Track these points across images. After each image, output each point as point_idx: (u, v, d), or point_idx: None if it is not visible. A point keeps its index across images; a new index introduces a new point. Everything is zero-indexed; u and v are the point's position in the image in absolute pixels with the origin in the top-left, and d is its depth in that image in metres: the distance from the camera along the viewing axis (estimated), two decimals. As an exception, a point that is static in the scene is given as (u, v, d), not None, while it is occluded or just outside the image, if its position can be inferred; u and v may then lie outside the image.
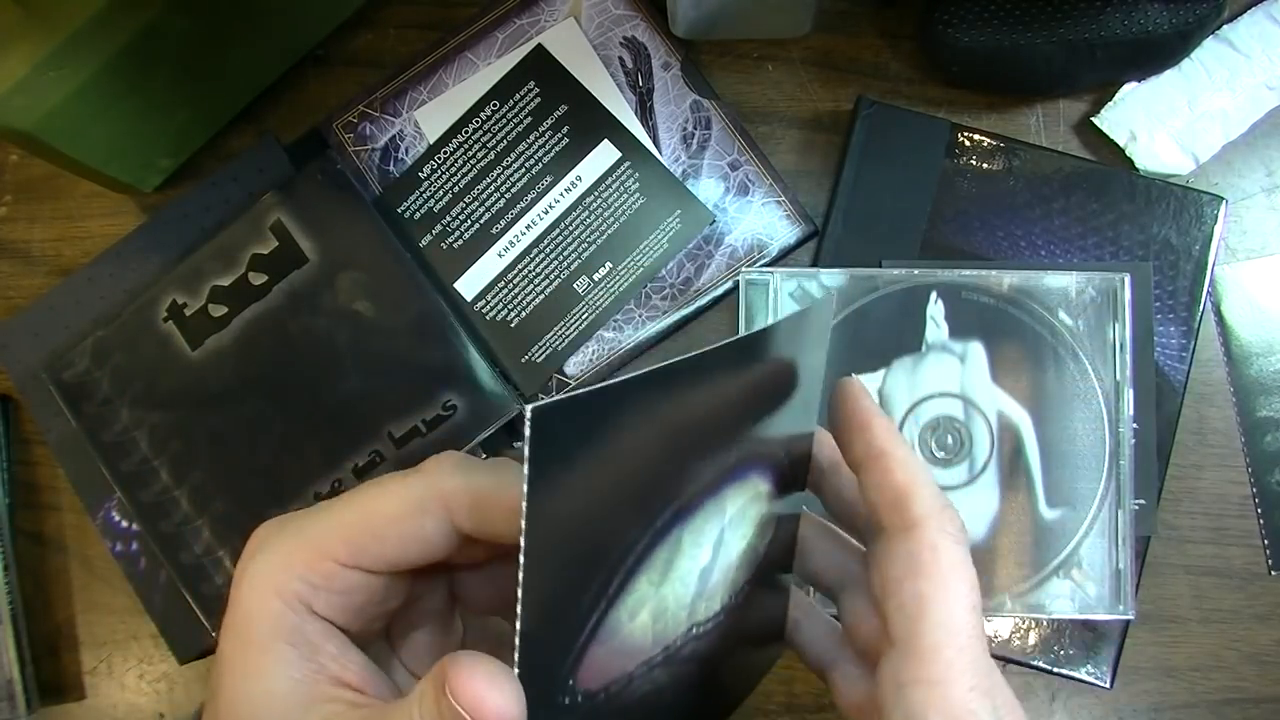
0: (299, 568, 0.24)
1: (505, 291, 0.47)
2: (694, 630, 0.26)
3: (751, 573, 0.27)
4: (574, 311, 0.47)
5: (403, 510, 0.24)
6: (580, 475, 0.22)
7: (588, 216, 0.47)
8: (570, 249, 0.47)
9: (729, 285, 0.47)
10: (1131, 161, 0.47)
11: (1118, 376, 0.43)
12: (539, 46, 0.48)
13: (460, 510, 0.24)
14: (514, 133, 0.48)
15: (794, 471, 0.28)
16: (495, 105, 0.48)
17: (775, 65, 0.49)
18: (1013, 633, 0.44)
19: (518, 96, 0.48)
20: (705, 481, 0.25)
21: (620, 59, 0.48)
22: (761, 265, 0.47)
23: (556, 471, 0.21)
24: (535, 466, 0.20)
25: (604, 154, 0.48)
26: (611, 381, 0.21)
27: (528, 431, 0.19)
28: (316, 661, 0.24)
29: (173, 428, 0.45)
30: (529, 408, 0.19)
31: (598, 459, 0.22)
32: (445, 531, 0.25)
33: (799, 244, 0.47)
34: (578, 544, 0.22)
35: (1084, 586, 0.43)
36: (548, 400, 0.19)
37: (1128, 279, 0.43)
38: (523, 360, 0.47)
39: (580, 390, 0.20)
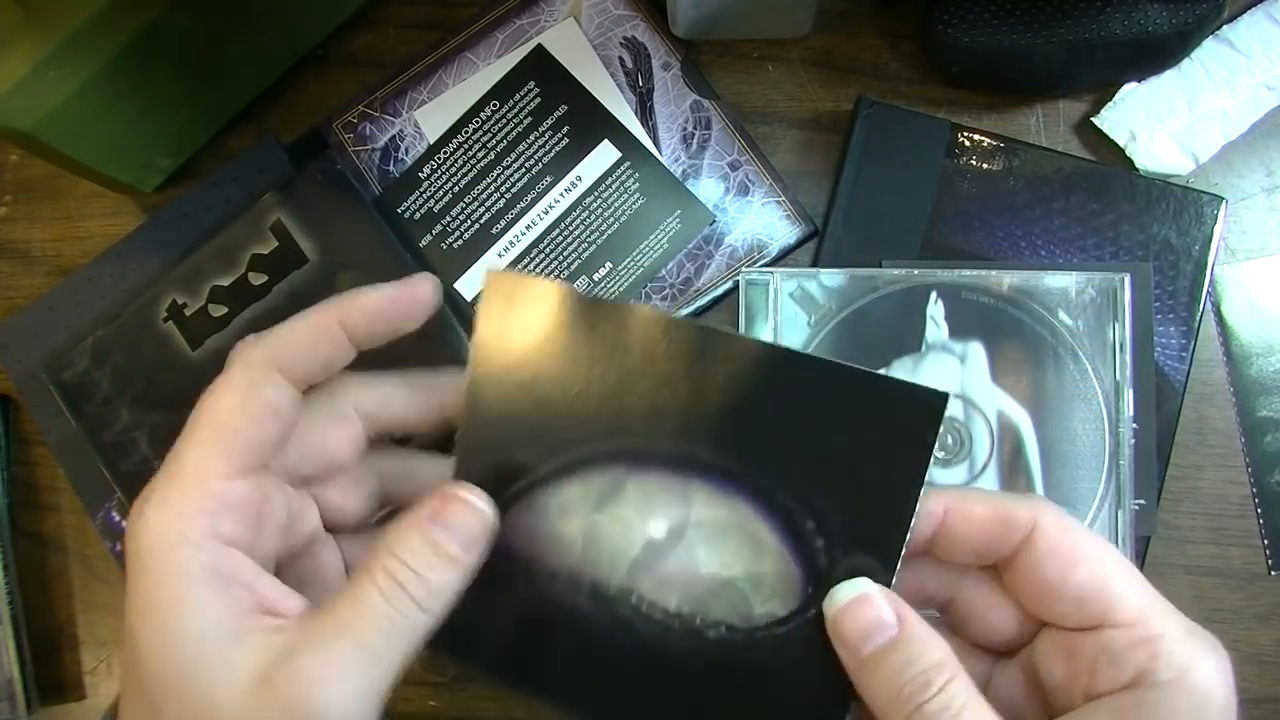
0: (190, 503, 0.25)
1: (505, 291, 0.47)
2: (634, 598, 0.27)
3: (734, 625, 0.27)
4: (574, 311, 0.47)
5: (237, 400, 0.26)
6: (520, 347, 0.27)
7: (588, 216, 0.47)
8: (570, 249, 0.47)
9: (729, 285, 0.47)
10: (1131, 161, 0.47)
11: (1118, 376, 0.43)
12: (539, 46, 0.48)
13: (290, 360, 0.27)
14: (514, 133, 0.48)
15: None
16: (495, 105, 0.48)
17: (775, 65, 0.49)
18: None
19: (518, 96, 0.48)
20: (662, 449, 0.27)
21: (620, 59, 0.48)
22: (761, 265, 0.47)
23: (498, 336, 0.28)
24: (485, 323, 0.28)
25: (604, 154, 0.48)
26: (576, 290, 0.27)
27: (483, 288, 0.28)
28: (233, 593, 0.24)
29: (173, 428, 0.45)
30: (488, 271, 0.28)
31: (540, 343, 0.28)
32: (285, 393, 0.27)
33: (799, 244, 0.47)
34: (511, 403, 0.28)
35: (1084, 586, 0.43)
36: (510, 271, 0.24)
37: (1128, 279, 0.43)
38: (523, 360, 0.47)
39: (545, 280, 0.27)
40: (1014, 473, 0.43)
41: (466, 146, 0.48)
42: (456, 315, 0.46)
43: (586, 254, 0.47)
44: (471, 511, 0.26)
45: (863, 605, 0.25)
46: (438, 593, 0.25)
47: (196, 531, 0.24)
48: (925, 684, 0.23)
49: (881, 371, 0.44)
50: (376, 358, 0.45)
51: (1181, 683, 0.23)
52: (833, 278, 0.45)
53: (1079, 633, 0.25)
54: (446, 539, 0.25)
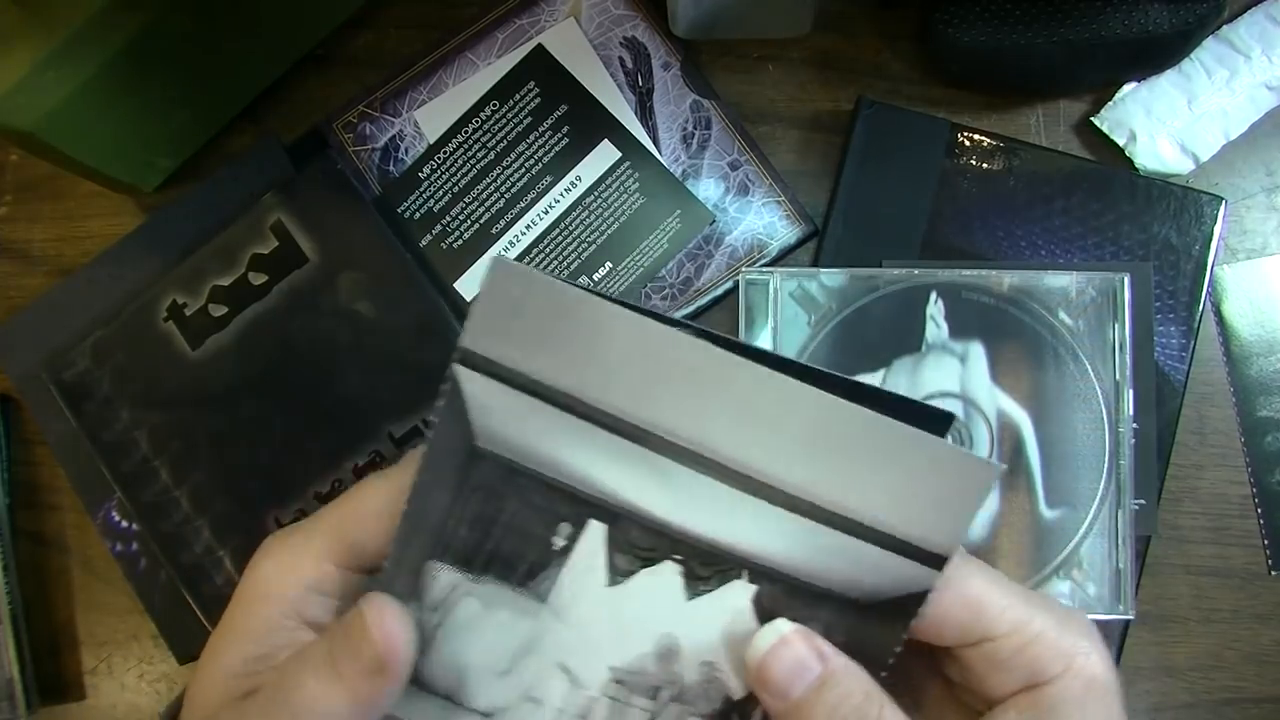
0: (301, 571, 0.25)
1: (505, 291, 0.47)
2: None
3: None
4: (574, 311, 0.47)
5: (386, 505, 0.26)
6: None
7: (588, 216, 0.47)
8: (570, 249, 0.47)
9: (729, 285, 0.47)
10: (1131, 161, 0.47)
11: (1118, 376, 0.43)
12: (539, 46, 0.48)
13: None
14: (514, 133, 0.48)
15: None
16: (495, 105, 0.48)
17: (775, 65, 0.49)
18: (1013, 633, 0.44)
19: (518, 96, 0.48)
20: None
21: (620, 59, 0.48)
22: (761, 265, 0.47)
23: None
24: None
25: (604, 154, 0.48)
26: None
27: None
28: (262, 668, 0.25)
29: (173, 428, 0.45)
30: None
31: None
32: None
33: (799, 244, 0.47)
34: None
35: (1084, 586, 0.43)
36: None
37: (1128, 279, 0.43)
38: (523, 360, 0.47)
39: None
40: (1014, 472, 0.43)
41: (466, 146, 0.48)
42: (457, 315, 0.46)
43: (586, 254, 0.47)
44: (369, 636, 0.24)
45: (785, 648, 0.24)
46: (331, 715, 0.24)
47: (288, 603, 0.25)
48: (862, 718, 0.24)
49: (879, 370, 0.44)
50: (377, 355, 0.46)
51: (1070, 671, 0.24)
52: (833, 278, 0.45)
53: (964, 648, 0.25)
54: (345, 663, 0.24)
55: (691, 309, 0.47)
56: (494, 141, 0.48)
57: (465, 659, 0.24)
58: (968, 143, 0.47)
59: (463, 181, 0.48)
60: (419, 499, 0.24)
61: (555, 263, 0.47)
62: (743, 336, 0.45)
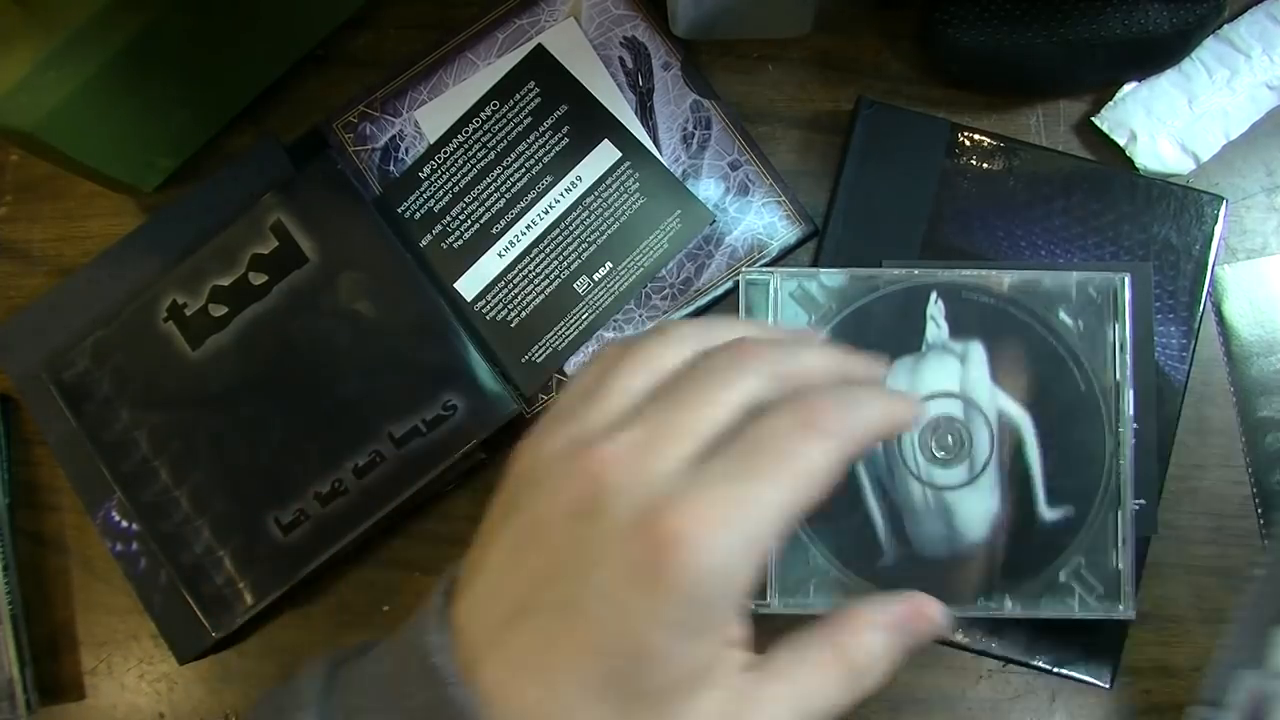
0: (748, 553, 0.24)
1: (505, 291, 0.47)
2: None
3: None
4: (574, 311, 0.47)
5: (831, 466, 0.25)
6: None
7: (588, 216, 0.47)
8: (570, 249, 0.47)
9: (729, 285, 0.47)
10: (1131, 161, 0.47)
11: (1118, 376, 0.43)
12: (539, 46, 0.48)
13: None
14: (514, 133, 0.48)
15: None
16: (495, 105, 0.48)
17: (775, 65, 0.49)
18: (1013, 633, 0.44)
19: (518, 96, 0.48)
20: None
21: (620, 59, 0.48)
22: (761, 265, 0.47)
23: None
24: None
25: (604, 154, 0.48)
26: None
27: None
28: (728, 631, 0.25)
29: (173, 428, 0.45)
30: None
31: None
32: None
33: (799, 244, 0.47)
34: None
35: (1084, 587, 0.43)
36: None
37: (1128, 279, 0.43)
38: (523, 360, 0.47)
39: None
40: (1014, 472, 0.43)
41: (466, 146, 0.48)
42: (457, 315, 0.46)
43: (586, 254, 0.47)
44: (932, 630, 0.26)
45: None
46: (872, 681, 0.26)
47: (745, 579, 0.24)
48: None
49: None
50: (377, 355, 0.46)
51: None
52: (833, 278, 0.45)
53: None
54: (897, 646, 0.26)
55: (691, 309, 0.47)
56: (494, 141, 0.48)
57: None
58: (968, 143, 0.47)
59: (463, 181, 0.48)
60: (1269, 572, 0.25)
61: (555, 263, 0.47)
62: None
